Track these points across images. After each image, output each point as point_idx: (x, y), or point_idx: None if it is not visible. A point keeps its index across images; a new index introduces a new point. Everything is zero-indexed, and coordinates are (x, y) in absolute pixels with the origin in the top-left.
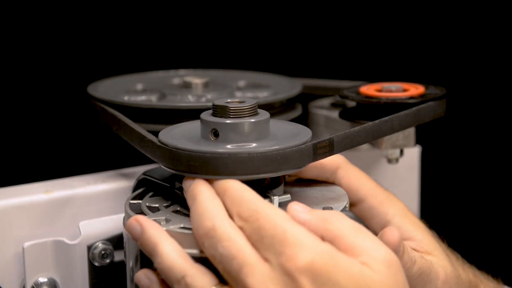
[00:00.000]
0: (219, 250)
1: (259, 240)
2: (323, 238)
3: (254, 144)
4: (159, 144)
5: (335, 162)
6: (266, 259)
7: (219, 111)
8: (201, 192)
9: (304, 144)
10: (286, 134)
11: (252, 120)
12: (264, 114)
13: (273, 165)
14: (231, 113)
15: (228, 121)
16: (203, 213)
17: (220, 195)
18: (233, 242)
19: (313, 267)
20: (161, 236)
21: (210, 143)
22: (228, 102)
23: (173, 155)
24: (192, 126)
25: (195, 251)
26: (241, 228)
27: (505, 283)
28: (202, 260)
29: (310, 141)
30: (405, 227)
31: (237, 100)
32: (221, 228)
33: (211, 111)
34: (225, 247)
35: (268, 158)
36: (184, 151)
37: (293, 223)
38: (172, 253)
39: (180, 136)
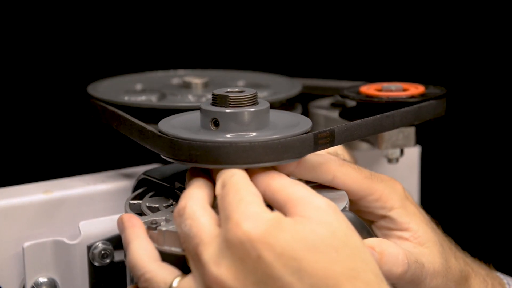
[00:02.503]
0: (183, 228)
1: (220, 206)
2: (265, 195)
3: (254, 134)
4: (159, 134)
5: (330, 167)
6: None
7: (219, 100)
8: (194, 180)
9: (305, 133)
10: (286, 124)
11: (252, 109)
12: (264, 104)
13: (274, 153)
14: (231, 102)
15: (228, 110)
16: (184, 196)
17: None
18: (196, 221)
19: (256, 233)
20: (134, 235)
21: (211, 132)
22: (228, 92)
23: (173, 145)
24: (191, 117)
25: None
26: (217, 196)
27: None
28: None
29: (311, 130)
30: (401, 218)
31: (237, 89)
32: (190, 208)
33: (210, 100)
34: (187, 225)
35: (269, 147)
36: (185, 140)
37: (252, 194)
38: (138, 251)
39: (180, 126)
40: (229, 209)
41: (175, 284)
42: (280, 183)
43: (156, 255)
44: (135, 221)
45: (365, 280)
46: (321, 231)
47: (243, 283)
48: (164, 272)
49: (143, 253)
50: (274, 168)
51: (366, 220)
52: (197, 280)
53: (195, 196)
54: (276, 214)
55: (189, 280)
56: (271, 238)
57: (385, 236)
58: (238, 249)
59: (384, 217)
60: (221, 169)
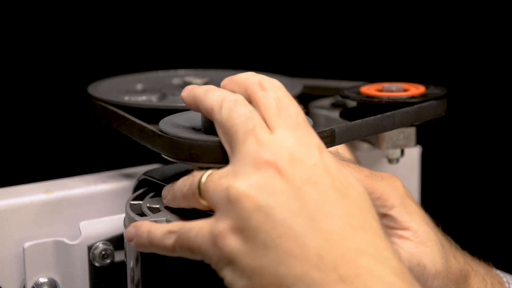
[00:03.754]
0: (241, 110)
1: (282, 109)
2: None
3: None
4: (159, 133)
5: None
6: (274, 127)
7: None
8: (209, 87)
9: None
10: None
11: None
12: None
13: None
14: None
15: None
16: (218, 90)
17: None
18: (255, 112)
19: (323, 148)
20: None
21: (211, 131)
22: None
23: (174, 144)
24: (192, 116)
25: None
26: (265, 89)
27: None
28: None
29: None
30: (401, 217)
31: None
32: (239, 97)
33: None
34: (249, 109)
35: None
36: (185, 139)
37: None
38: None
39: (180, 125)
40: (299, 119)
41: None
42: None
43: None
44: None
45: None
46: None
47: (300, 168)
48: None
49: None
50: None
51: None
52: (236, 164)
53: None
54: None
55: (226, 168)
56: (327, 156)
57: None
58: (303, 150)
59: (385, 215)
60: (221, 166)
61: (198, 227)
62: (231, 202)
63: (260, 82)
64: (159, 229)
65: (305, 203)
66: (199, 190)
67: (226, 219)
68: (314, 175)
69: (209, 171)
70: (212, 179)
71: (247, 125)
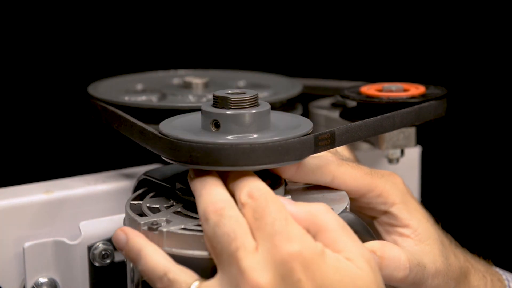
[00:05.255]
0: (225, 228)
1: (259, 219)
2: (308, 231)
3: (255, 135)
4: (160, 135)
5: (329, 169)
6: (257, 241)
7: (220, 102)
8: (211, 180)
9: (306, 135)
10: (287, 126)
11: (253, 111)
12: (265, 105)
13: (274, 156)
14: (232, 104)
15: (229, 112)
16: (215, 194)
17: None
18: (241, 225)
19: (302, 256)
20: (145, 242)
21: (211, 134)
22: (229, 93)
23: (174, 146)
24: (192, 118)
25: (196, 252)
26: (244, 205)
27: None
28: (194, 261)
29: (311, 132)
30: (402, 214)
31: (237, 91)
32: (232, 210)
33: (211, 102)
34: (232, 226)
35: (269, 149)
36: (185, 142)
37: (290, 216)
38: (155, 254)
39: (181, 127)
40: (276, 225)
41: (195, 284)
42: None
43: (170, 258)
44: (137, 232)
45: None
46: (362, 275)
47: None
48: (186, 275)
49: (161, 256)
50: (275, 171)
51: (368, 217)
52: (223, 281)
53: (228, 198)
54: (321, 244)
55: (214, 282)
56: (315, 266)
57: (387, 233)
58: (281, 266)
59: (385, 212)
60: (227, 171)
61: None
62: None
63: (250, 192)
64: None
65: None
66: None
67: None
68: None
69: (196, 284)
70: None
71: (230, 247)
